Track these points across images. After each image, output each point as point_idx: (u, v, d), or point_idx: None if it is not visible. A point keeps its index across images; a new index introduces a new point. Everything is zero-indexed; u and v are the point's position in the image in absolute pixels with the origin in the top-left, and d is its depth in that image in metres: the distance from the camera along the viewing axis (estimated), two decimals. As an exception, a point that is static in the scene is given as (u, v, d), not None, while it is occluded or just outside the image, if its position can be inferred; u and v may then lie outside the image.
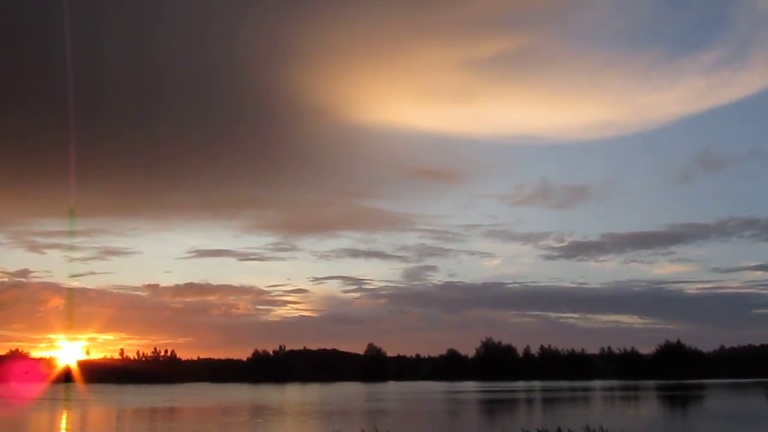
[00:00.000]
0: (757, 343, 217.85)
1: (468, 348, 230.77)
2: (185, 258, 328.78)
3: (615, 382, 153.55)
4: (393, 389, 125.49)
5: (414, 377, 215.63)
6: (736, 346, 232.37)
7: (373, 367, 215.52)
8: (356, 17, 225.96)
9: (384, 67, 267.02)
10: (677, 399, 77.65)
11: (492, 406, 68.02)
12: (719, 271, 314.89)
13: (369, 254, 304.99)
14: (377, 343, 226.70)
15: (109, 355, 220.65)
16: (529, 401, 77.46)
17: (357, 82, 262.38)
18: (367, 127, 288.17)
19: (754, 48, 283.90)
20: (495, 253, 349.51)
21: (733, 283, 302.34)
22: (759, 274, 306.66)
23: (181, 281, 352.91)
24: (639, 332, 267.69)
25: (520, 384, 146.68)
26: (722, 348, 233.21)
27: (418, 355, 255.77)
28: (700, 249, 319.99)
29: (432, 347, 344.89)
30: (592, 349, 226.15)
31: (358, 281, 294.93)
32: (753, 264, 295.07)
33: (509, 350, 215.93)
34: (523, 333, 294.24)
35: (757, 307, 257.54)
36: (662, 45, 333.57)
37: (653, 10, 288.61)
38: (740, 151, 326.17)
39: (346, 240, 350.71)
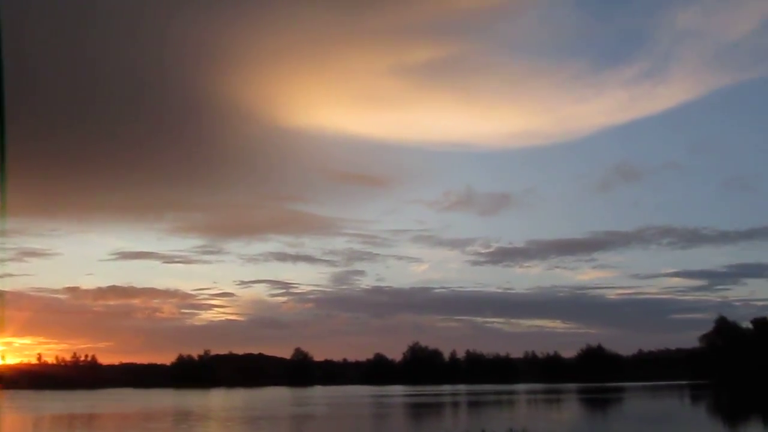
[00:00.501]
0: (673, 347, 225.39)
1: (395, 352, 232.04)
2: (108, 260, 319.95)
3: (538, 386, 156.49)
4: (320, 394, 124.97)
5: (341, 382, 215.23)
6: (653, 350, 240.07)
7: (299, 371, 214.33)
8: (288, 20, 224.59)
9: (315, 71, 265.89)
10: (597, 401, 79.67)
11: (418, 410, 68.51)
12: (638, 278, 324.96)
13: (297, 258, 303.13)
14: (304, 348, 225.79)
15: (26, 360, 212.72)
16: (455, 405, 78.24)
17: (288, 85, 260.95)
18: (297, 131, 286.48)
19: (673, 63, 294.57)
20: (423, 258, 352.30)
21: (652, 289, 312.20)
22: (676, 281, 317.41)
23: (104, 284, 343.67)
24: (562, 336, 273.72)
25: (446, 388, 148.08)
26: (641, 352, 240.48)
27: (345, 360, 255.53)
28: (620, 256, 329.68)
29: (359, 352, 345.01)
30: (517, 353, 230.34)
31: (285, 285, 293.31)
32: (670, 271, 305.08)
33: (436, 354, 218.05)
34: (450, 337, 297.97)
35: (673, 312, 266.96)
36: (587, 57, 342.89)
37: (578, 23, 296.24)
38: (657, 162, 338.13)
39: (274, 243, 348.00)
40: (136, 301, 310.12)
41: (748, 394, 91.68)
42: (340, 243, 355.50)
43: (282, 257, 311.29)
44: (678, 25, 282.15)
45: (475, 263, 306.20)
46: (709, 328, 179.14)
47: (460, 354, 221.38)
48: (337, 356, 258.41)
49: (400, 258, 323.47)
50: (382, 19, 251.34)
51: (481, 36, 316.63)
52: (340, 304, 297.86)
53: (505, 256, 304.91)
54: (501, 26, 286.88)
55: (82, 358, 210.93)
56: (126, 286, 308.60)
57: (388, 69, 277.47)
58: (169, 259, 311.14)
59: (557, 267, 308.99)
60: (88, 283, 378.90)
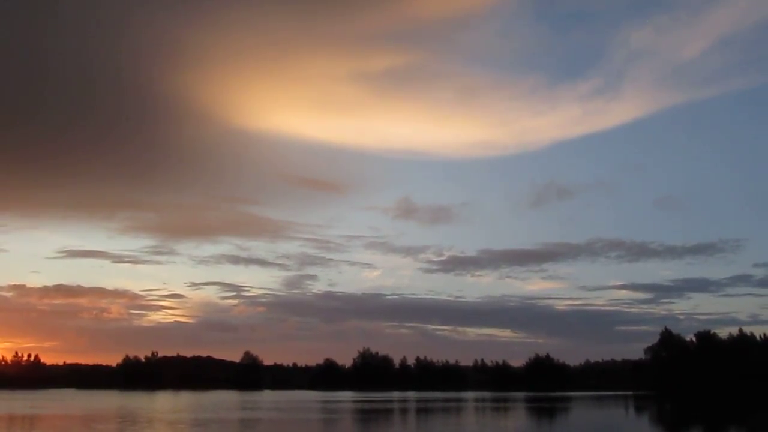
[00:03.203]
0: (619, 358, 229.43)
1: (345, 358, 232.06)
2: (55, 258, 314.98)
3: (487, 394, 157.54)
4: (268, 398, 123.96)
5: (290, 386, 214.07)
6: (600, 360, 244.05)
7: (248, 375, 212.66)
8: (248, 22, 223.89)
9: (273, 74, 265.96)
10: (544, 410, 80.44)
11: (367, 416, 68.36)
12: (587, 289, 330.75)
13: (249, 261, 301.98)
14: (254, 352, 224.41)
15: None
16: (404, 411, 78.28)
17: (245, 88, 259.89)
18: (252, 134, 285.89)
19: (626, 81, 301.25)
20: (375, 264, 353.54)
21: (599, 300, 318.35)
22: (623, 293, 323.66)
23: (50, 282, 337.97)
24: (511, 345, 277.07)
25: (396, 394, 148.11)
26: (587, 362, 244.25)
27: (295, 365, 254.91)
28: (570, 267, 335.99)
29: (309, 357, 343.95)
30: (467, 361, 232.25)
31: (236, 288, 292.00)
32: (618, 283, 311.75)
33: (386, 361, 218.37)
34: (401, 344, 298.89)
35: (620, 324, 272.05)
36: (543, 71, 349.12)
37: (537, 38, 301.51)
38: (593, 178, 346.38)
39: (226, 246, 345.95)
40: (83, 301, 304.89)
41: (691, 404, 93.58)
42: (293, 247, 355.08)
43: (234, 260, 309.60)
44: (632, 43, 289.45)
45: (428, 271, 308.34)
46: (654, 340, 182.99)
47: (411, 361, 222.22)
48: (287, 361, 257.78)
49: (353, 264, 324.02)
50: (343, 25, 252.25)
51: (441, 46, 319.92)
52: (292, 308, 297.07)
53: (457, 264, 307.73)
54: (461, 37, 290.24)
55: (25, 358, 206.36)
56: (73, 285, 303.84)
57: (348, 75, 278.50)
58: (118, 259, 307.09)
59: (508, 277, 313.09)
60: (34, 281, 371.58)
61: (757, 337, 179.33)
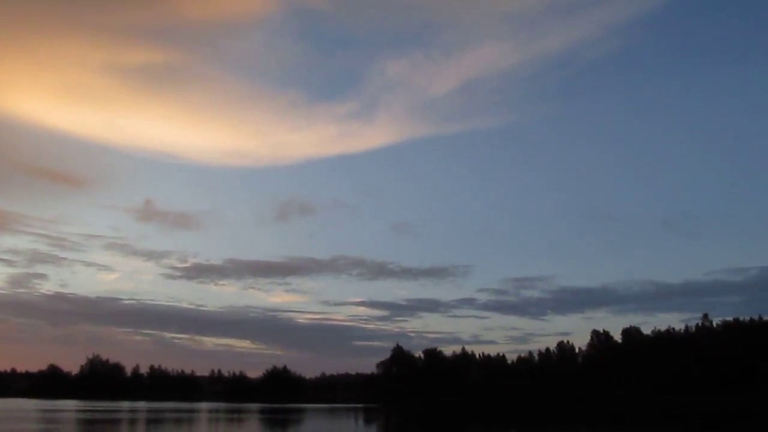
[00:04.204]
0: (354, 372, 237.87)
1: (73, 364, 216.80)
2: None
3: (221, 404, 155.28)
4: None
5: (7, 393, 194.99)
6: (335, 373, 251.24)
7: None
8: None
9: (18, 56, 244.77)
10: (277, 421, 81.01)
11: (90, 427, 64.24)
12: (328, 304, 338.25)
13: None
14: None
15: None
16: (132, 422, 74.81)
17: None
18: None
19: (380, 108, 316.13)
20: (114, 266, 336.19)
21: (339, 315, 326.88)
22: (361, 309, 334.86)
23: None
24: (250, 356, 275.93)
25: (125, 404, 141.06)
26: (323, 375, 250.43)
27: (14, 370, 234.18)
28: (313, 282, 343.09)
29: (32, 362, 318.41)
30: (203, 371, 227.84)
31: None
32: (357, 299, 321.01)
33: (117, 369, 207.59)
34: (135, 351, 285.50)
35: (357, 339, 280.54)
36: (304, 88, 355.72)
37: (300, 55, 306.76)
38: (338, 197, 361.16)
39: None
40: None
41: (415, 417, 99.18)
42: (22, 242, 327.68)
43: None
44: (389, 74, 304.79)
45: (169, 277, 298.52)
46: (386, 355, 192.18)
47: (144, 369, 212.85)
48: (4, 365, 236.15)
49: (88, 264, 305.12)
50: (101, 12, 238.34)
51: (203, 49, 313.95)
52: (15, 308, 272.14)
53: (201, 272, 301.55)
54: (224, 43, 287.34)
55: None
56: None
57: (101, 66, 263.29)
58: None
59: (252, 287, 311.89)
60: None
61: (477, 356, 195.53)
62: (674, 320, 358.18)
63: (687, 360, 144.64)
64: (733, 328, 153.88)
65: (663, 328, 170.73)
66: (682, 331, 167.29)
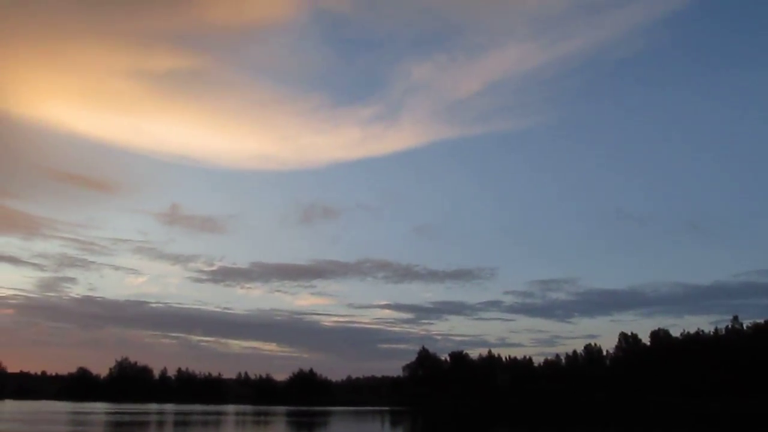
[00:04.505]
0: (379, 375, 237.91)
1: (101, 367, 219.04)
2: None
3: (248, 407, 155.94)
4: (10, 409, 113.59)
5: (37, 396, 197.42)
6: (361, 376, 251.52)
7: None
8: (22, 3, 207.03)
9: (44, 60, 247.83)
10: (303, 424, 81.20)
11: (119, 429, 64.86)
12: (353, 307, 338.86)
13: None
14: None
15: None
16: (160, 424, 75.39)
17: (8, 71, 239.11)
18: (13, 121, 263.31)
19: (404, 111, 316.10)
20: (142, 270, 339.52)
21: (364, 318, 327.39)
22: (386, 312, 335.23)
23: None
24: (276, 359, 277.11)
25: (153, 407, 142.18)
26: (350, 378, 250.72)
27: (44, 373, 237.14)
28: (338, 285, 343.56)
29: (62, 365, 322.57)
30: (230, 373, 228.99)
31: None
32: (382, 302, 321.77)
33: (145, 371, 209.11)
34: (163, 354, 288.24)
35: (382, 342, 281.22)
36: (327, 92, 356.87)
37: (324, 59, 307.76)
38: (363, 200, 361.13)
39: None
40: None
41: (441, 420, 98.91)
42: (51, 246, 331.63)
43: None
44: (412, 77, 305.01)
45: (197, 280, 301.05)
46: (412, 358, 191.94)
47: (171, 372, 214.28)
48: (35, 368, 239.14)
49: (117, 268, 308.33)
50: (127, 18, 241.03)
51: (228, 54, 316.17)
52: (45, 312, 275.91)
53: (227, 275, 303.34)
54: (249, 48, 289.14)
55: None
56: None
57: (127, 71, 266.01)
58: None
59: (278, 291, 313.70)
60: None
61: (503, 359, 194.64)
62: (703, 322, 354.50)
63: (716, 363, 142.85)
64: (764, 330, 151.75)
65: (692, 330, 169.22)
66: (711, 333, 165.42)
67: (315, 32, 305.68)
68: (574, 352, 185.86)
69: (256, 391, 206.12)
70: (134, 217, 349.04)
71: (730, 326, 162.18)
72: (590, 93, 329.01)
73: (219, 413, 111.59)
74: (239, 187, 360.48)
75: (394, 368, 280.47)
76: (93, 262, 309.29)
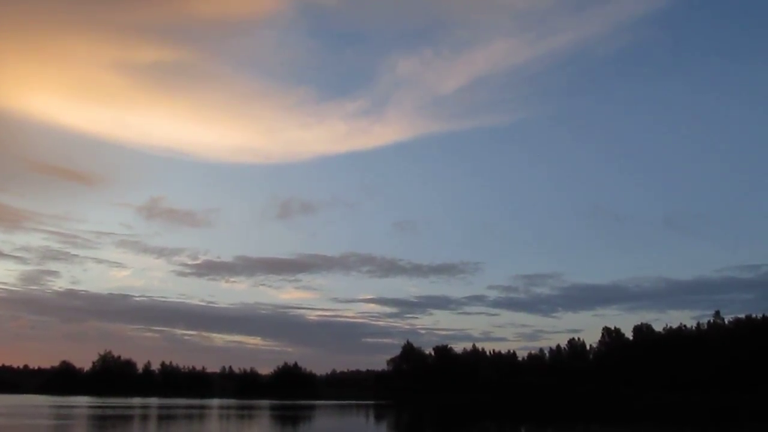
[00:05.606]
0: (364, 369, 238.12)
1: (85, 361, 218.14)
2: None
3: (232, 401, 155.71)
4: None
5: (19, 390, 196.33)
6: (346, 370, 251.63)
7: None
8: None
9: (28, 53, 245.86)
10: (288, 417, 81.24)
11: (102, 423, 64.61)
12: (338, 301, 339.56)
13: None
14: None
15: None
16: (143, 418, 75.18)
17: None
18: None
19: (390, 105, 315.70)
20: (126, 263, 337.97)
21: (349, 312, 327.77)
22: (371, 306, 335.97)
23: None
24: (260, 353, 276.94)
25: (137, 400, 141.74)
26: (334, 371, 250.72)
27: (27, 366, 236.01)
28: (323, 279, 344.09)
29: (44, 358, 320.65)
30: (214, 367, 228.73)
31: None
32: (367, 296, 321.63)
33: (128, 365, 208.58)
34: (147, 348, 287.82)
35: (366, 336, 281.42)
36: (314, 86, 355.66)
37: (309, 53, 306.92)
38: (348, 193, 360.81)
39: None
40: None
41: (425, 413, 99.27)
42: (34, 239, 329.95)
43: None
44: (398, 71, 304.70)
45: (181, 274, 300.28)
46: (397, 352, 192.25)
47: (155, 366, 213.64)
48: (17, 362, 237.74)
49: (100, 261, 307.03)
50: (112, 12, 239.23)
51: (213, 47, 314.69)
52: (28, 305, 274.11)
53: (211, 269, 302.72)
54: (234, 41, 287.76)
55: None
56: None
57: (111, 63, 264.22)
58: None
59: (262, 284, 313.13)
60: None
61: (487, 353, 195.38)
62: (686, 317, 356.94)
63: (699, 357, 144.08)
64: (745, 325, 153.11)
65: (674, 325, 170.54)
66: (693, 328, 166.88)
67: (301, 26, 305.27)
68: (558, 346, 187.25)
69: (240, 384, 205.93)
70: (118, 210, 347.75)
71: (712, 321, 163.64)
72: (576, 89, 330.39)
73: (203, 407, 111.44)
74: (224, 181, 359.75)
75: (378, 362, 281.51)
76: (76, 256, 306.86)
